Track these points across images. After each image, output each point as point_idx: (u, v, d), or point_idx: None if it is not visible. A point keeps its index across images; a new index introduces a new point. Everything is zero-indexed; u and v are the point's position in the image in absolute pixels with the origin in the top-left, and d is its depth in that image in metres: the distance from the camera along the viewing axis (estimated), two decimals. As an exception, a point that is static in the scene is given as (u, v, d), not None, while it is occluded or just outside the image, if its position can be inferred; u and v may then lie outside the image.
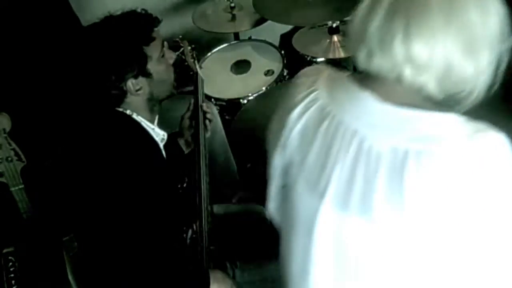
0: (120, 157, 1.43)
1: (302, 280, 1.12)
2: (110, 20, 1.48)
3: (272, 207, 1.24)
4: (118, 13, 1.52)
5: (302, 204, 1.07)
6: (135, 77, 1.48)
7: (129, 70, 1.46)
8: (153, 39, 1.49)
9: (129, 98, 1.51)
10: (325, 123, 1.00)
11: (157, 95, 1.56)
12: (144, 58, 1.47)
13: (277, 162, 1.14)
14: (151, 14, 1.55)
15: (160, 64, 1.53)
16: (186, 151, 1.83)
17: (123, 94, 1.49)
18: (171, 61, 1.59)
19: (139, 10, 1.55)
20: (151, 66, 1.50)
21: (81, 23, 2.49)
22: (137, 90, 1.49)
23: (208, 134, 1.80)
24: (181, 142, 1.84)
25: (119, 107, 1.52)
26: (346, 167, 0.97)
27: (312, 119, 1.03)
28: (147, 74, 1.50)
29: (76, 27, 2.44)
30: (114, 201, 1.38)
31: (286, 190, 1.15)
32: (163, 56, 1.54)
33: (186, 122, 1.82)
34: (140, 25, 1.48)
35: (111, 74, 1.44)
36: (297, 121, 1.06)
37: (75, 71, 1.53)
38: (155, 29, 1.53)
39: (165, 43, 1.57)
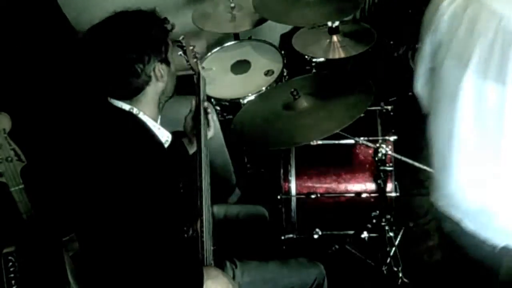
0: (123, 156, 1.44)
1: (447, 147, 1.35)
2: (128, 12, 1.50)
3: (419, 85, 1.51)
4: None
5: (448, 77, 1.29)
6: (161, 62, 1.51)
7: (158, 53, 1.49)
8: (170, 29, 1.54)
9: (150, 87, 1.51)
10: (470, 8, 1.22)
11: (168, 90, 1.58)
12: (168, 45, 1.53)
13: (427, 45, 1.37)
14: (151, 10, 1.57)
15: (173, 55, 1.57)
16: (190, 151, 1.83)
17: (148, 80, 1.50)
18: None
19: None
20: (170, 56, 1.55)
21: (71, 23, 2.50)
22: (160, 77, 1.52)
23: (210, 133, 1.80)
24: (186, 142, 1.85)
25: (132, 101, 1.52)
26: (487, 42, 1.18)
27: (460, 6, 1.25)
28: (168, 63, 1.54)
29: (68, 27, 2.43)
30: (114, 201, 1.38)
31: (432, 70, 1.39)
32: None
33: (189, 123, 1.82)
34: (157, 17, 1.53)
35: (146, 54, 1.46)
36: (447, 8, 1.27)
37: (85, 67, 1.52)
38: None
39: None
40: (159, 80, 1.52)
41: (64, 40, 2.36)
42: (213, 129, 1.83)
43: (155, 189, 1.43)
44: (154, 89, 1.53)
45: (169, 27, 1.54)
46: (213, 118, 1.85)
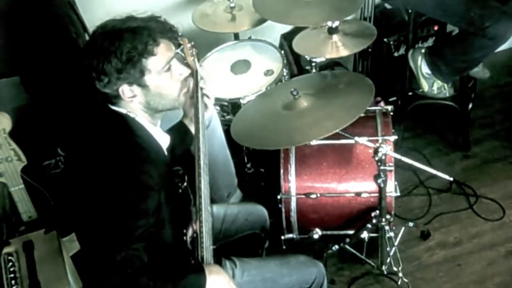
0: (120, 157, 1.44)
1: None
2: (117, 25, 1.47)
3: None
4: (141, 15, 1.51)
5: None
6: (130, 84, 1.48)
7: (122, 78, 1.45)
8: (153, 54, 1.47)
9: (125, 101, 1.51)
10: None
11: (154, 106, 1.55)
12: (141, 71, 1.47)
13: None
14: (167, 26, 1.53)
15: (160, 78, 1.51)
16: (193, 130, 1.82)
17: (116, 94, 1.49)
18: (181, 77, 1.57)
19: (162, 19, 1.54)
20: (149, 78, 1.49)
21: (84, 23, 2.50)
22: (130, 97, 1.49)
23: (208, 113, 1.81)
24: (187, 121, 1.85)
25: (122, 108, 1.52)
26: None
27: None
28: (143, 85, 1.49)
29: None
30: (111, 201, 1.39)
31: None
32: (168, 69, 1.52)
33: (187, 102, 1.82)
34: (144, 36, 1.45)
35: (105, 76, 1.44)
36: None
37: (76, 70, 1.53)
38: (170, 40, 1.52)
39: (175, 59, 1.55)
40: (126, 99, 1.50)
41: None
42: (211, 105, 1.82)
43: (151, 188, 1.43)
44: (131, 104, 1.52)
45: (155, 51, 1.46)
46: (214, 116, 1.82)
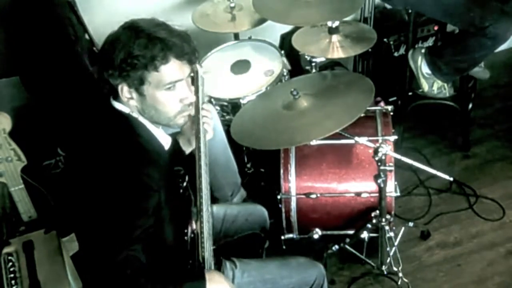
0: (121, 157, 1.44)
1: None
2: (143, 26, 1.46)
3: None
4: (176, 26, 1.51)
5: None
6: (129, 86, 1.48)
7: (122, 76, 1.45)
8: (157, 70, 1.45)
9: (122, 101, 1.51)
10: None
11: (149, 116, 1.54)
12: (140, 79, 1.46)
13: None
14: (188, 48, 1.49)
15: (158, 93, 1.49)
16: (187, 151, 1.82)
17: (115, 90, 1.50)
18: (186, 101, 1.54)
19: (192, 41, 1.52)
20: (147, 89, 1.48)
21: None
22: (127, 98, 1.49)
23: (209, 136, 1.78)
24: (182, 141, 1.82)
25: (124, 105, 1.52)
26: None
27: None
28: (140, 93, 1.49)
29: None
30: (110, 201, 1.39)
31: None
32: (170, 89, 1.49)
33: (188, 122, 1.81)
34: (156, 49, 1.44)
35: (109, 66, 1.45)
36: None
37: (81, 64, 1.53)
38: (187, 63, 1.50)
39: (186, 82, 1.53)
40: (124, 99, 1.50)
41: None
42: (211, 132, 1.80)
43: (151, 188, 1.43)
44: (129, 103, 1.51)
45: (160, 68, 1.44)
46: (213, 114, 1.81)
